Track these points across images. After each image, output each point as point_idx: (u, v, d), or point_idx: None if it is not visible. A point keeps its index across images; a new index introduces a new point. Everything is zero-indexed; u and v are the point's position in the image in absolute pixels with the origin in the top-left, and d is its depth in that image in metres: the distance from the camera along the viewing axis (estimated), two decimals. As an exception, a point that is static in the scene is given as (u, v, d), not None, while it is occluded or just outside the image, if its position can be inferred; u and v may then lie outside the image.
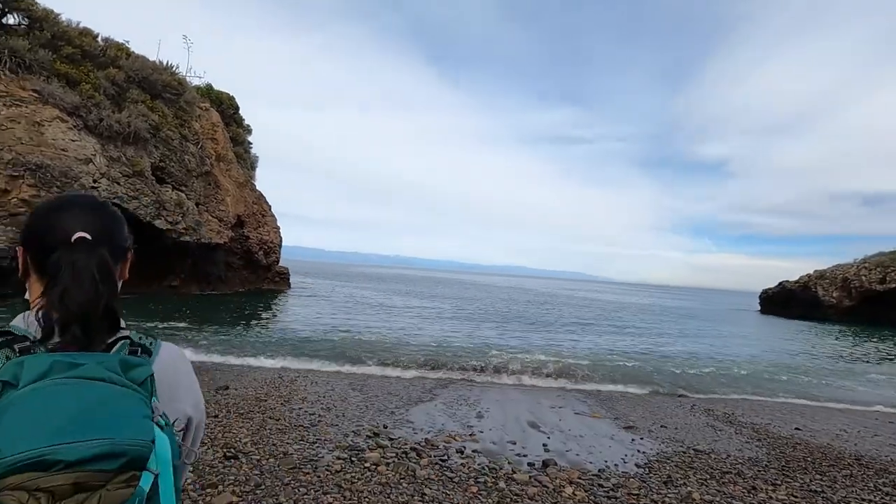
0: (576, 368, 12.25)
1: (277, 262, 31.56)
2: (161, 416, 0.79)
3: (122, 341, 0.89)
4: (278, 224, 31.66)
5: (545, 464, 5.27)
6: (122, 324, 0.94)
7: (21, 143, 16.92)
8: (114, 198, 19.42)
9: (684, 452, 6.31)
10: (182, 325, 14.34)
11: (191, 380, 1.02)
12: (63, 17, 20.57)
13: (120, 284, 1.00)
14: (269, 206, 31.71)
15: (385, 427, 6.49)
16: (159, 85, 23.38)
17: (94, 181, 18.85)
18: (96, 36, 21.92)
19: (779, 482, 5.23)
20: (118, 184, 19.75)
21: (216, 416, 6.22)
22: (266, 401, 7.36)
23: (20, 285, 1.01)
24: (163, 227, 21.49)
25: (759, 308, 55.78)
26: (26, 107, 17.48)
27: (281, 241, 31.36)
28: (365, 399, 8.06)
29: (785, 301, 49.58)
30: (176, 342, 7.29)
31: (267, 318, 18.20)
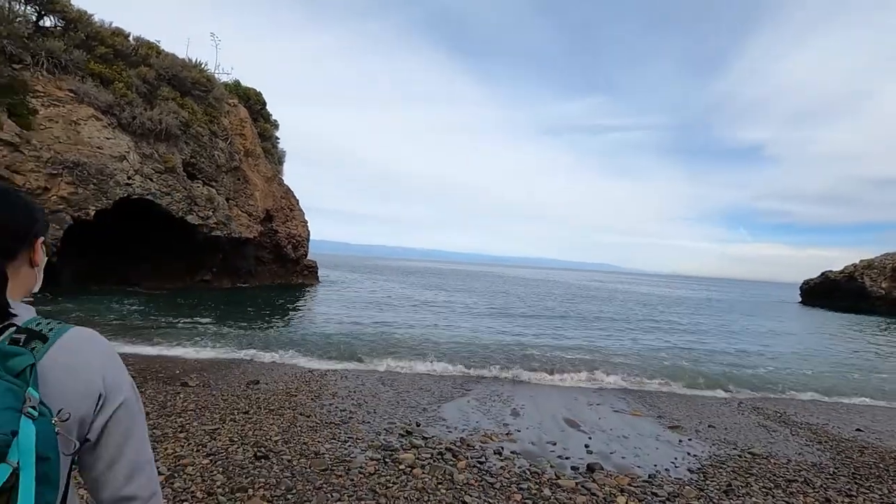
0: (611, 364, 11.78)
1: (306, 255, 31.83)
2: (35, 406, 0.77)
3: (7, 330, 0.85)
4: (306, 218, 31.91)
5: (591, 468, 4.92)
6: (26, 312, 0.92)
7: (59, 142, 17.37)
8: (147, 194, 19.82)
9: (740, 456, 5.85)
10: (206, 320, 14.36)
11: (102, 362, 0.94)
12: (96, 18, 21.02)
13: (37, 270, 1.02)
14: (297, 201, 31.97)
15: (418, 425, 6.25)
16: (189, 82, 23.69)
17: (129, 178, 19.25)
18: (128, 35, 22.33)
19: (854, 493, 4.74)
20: (151, 180, 20.12)
21: (246, 413, 6.09)
22: (296, 396, 7.23)
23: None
24: (194, 222, 21.84)
25: (799, 300, 53.51)
26: (63, 106, 17.93)
27: (309, 234, 31.60)
28: (396, 395, 7.84)
29: (828, 292, 47.33)
30: (202, 337, 7.22)
31: (296, 313, 18.15)
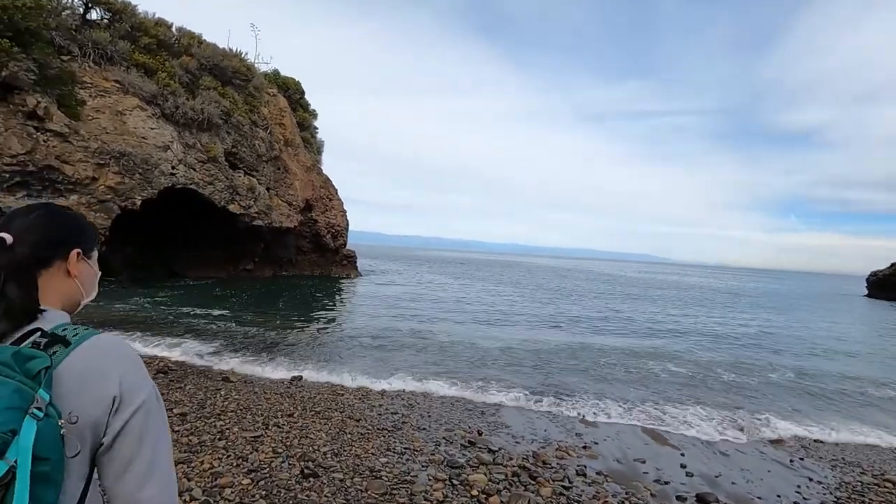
0: (685, 363, 10.67)
1: (345, 245, 31.65)
2: (42, 407, 0.79)
3: (34, 335, 0.90)
4: (344, 208, 31.69)
5: (703, 500, 4.02)
6: (58, 317, 0.98)
7: (106, 133, 17.51)
8: (190, 183, 19.85)
9: (877, 485, 4.80)
10: (250, 316, 13.37)
11: (121, 367, 0.94)
12: (140, 9, 21.12)
13: (77, 281, 1.06)
14: (336, 190, 31.76)
15: (480, 433, 5.50)
16: (229, 71, 23.61)
17: (173, 168, 19.30)
18: (170, 25, 22.38)
19: None
20: (194, 170, 20.14)
21: (291, 415, 5.50)
22: (342, 395, 6.62)
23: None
24: (236, 211, 21.82)
25: (865, 292, 49.66)
26: (109, 97, 18.05)
27: (347, 224, 31.38)
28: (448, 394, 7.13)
29: (901, 284, 43.59)
30: (236, 336, 6.44)
31: (337, 314, 15.45)
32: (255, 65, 27.32)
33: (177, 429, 4.67)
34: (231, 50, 24.72)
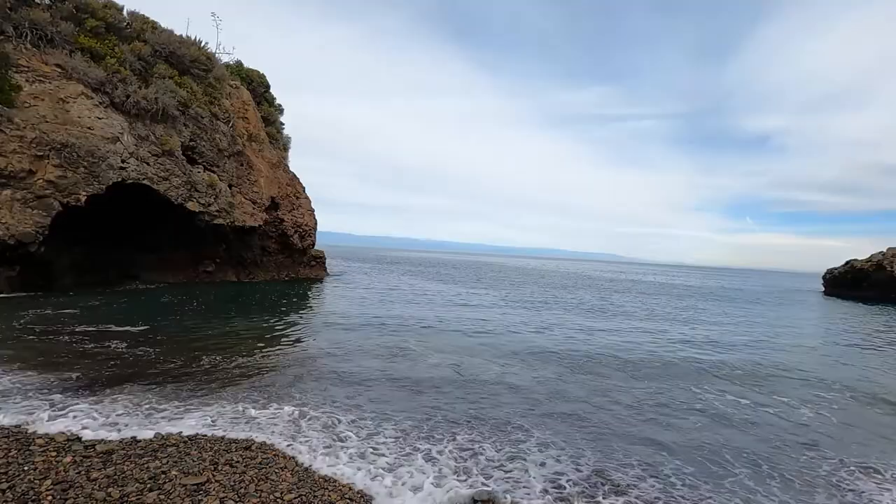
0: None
1: (313, 245, 30.38)
2: None
3: None
4: (312, 206, 30.39)
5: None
6: None
7: (45, 121, 15.88)
8: (143, 178, 18.34)
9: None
10: (175, 330, 10.52)
11: None
12: (86, -11, 19.39)
13: None
14: (304, 188, 30.44)
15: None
16: (187, 60, 22.09)
17: (123, 161, 17.76)
18: (121, 8, 20.71)
19: None
20: (147, 164, 18.63)
21: None
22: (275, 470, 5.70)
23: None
24: (195, 209, 20.38)
25: (822, 289, 51.68)
26: (49, 82, 16.42)
27: (316, 224, 30.11)
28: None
29: (854, 282, 45.49)
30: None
31: (288, 328, 12.73)
32: (217, 55, 25.77)
33: None
34: (189, 37, 23.18)
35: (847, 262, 48.19)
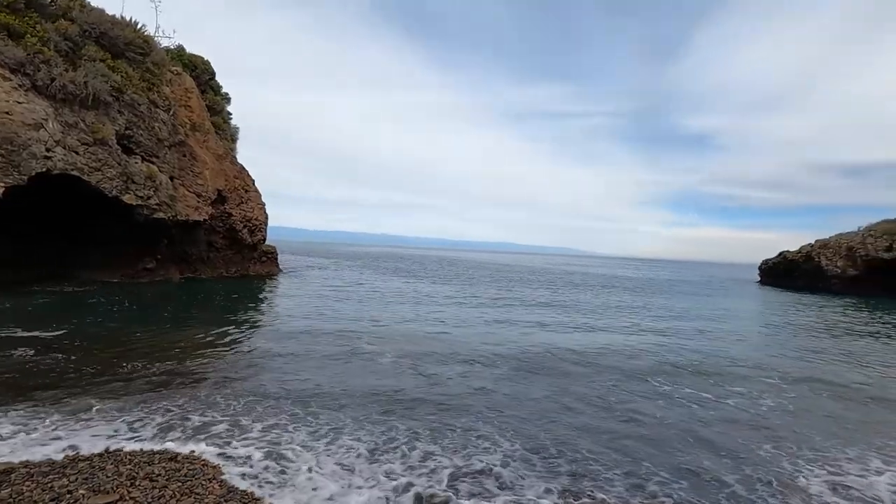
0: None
1: (263, 240, 29.27)
2: None
3: None
4: (263, 200, 29.26)
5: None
6: None
7: (-46, 105, 14.36)
8: (71, 169, 16.97)
9: None
10: (95, 333, 9.49)
11: None
12: (2, -40, 17.65)
13: None
14: (253, 181, 29.23)
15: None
16: (121, 42, 20.58)
17: (48, 150, 16.34)
18: (44, -17, 18.99)
19: None
20: (76, 153, 17.24)
21: None
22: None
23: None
24: (132, 202, 19.09)
25: (757, 279, 54.96)
26: (-42, 62, 14.84)
27: (266, 218, 29.01)
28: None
29: (786, 272, 48.65)
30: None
31: (225, 332, 11.52)
32: (155, 38, 24.20)
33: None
34: (124, 18, 21.63)
35: (780, 254, 51.45)
